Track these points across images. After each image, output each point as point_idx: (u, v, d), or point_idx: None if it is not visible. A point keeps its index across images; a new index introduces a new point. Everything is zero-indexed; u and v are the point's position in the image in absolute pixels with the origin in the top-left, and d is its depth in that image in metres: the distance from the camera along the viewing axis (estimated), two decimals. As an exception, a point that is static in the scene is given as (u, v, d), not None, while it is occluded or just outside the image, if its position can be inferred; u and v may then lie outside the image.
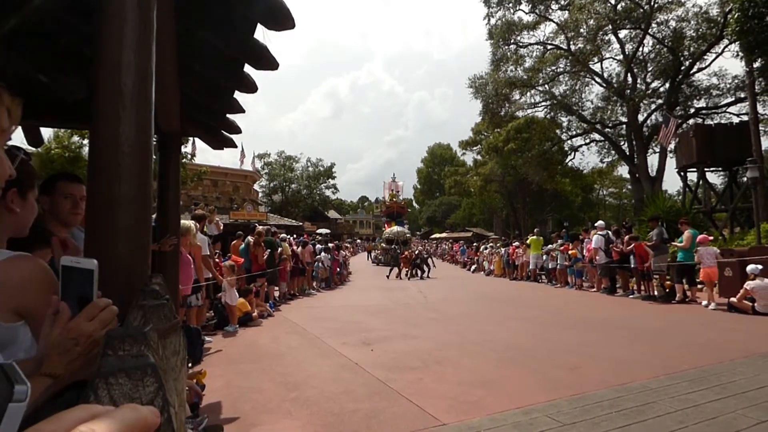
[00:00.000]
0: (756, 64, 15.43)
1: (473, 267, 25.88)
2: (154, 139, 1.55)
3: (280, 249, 11.81)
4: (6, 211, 1.23)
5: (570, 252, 14.94)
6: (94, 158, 1.41)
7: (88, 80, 2.68)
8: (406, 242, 29.46)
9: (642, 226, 16.03)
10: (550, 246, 16.89)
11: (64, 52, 2.71)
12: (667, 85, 26.51)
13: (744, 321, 7.99)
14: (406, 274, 20.54)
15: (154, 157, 1.52)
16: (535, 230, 20.27)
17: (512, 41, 30.65)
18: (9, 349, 1.08)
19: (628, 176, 34.70)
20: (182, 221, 6.59)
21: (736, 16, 14.51)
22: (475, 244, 31.61)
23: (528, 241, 17.93)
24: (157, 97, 1.52)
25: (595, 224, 14.58)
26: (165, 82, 2.74)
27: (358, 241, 59.55)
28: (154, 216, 3.79)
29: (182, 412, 1.41)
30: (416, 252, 22.94)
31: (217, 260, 8.77)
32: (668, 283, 10.91)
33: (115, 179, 1.36)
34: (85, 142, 14.32)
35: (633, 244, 11.50)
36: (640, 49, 27.00)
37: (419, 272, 20.52)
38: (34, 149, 5.35)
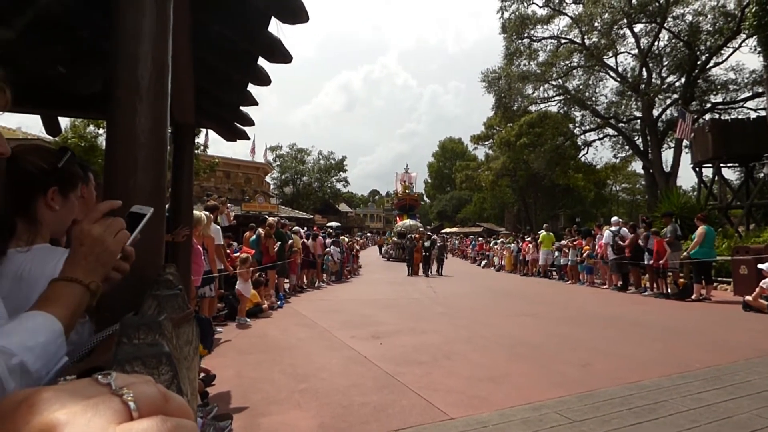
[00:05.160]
0: (774, 59, 15.16)
1: (484, 262, 25.83)
2: (169, 131, 1.56)
3: (290, 241, 11.87)
4: (47, 208, 1.25)
5: (584, 247, 14.84)
6: (110, 150, 1.43)
7: (105, 72, 2.70)
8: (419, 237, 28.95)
9: (656, 222, 15.89)
10: (562, 242, 16.80)
11: (82, 45, 2.73)
12: (683, 79, 26.15)
13: (759, 320, 7.88)
14: (423, 271, 18.84)
15: (169, 148, 1.53)
16: (544, 226, 20.04)
17: (526, 35, 30.41)
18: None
19: (641, 172, 34.31)
20: (194, 212, 6.68)
21: (753, 10, 14.25)
22: (480, 239, 31.43)
23: (540, 238, 17.82)
24: (172, 89, 1.53)
25: (611, 220, 14.49)
26: (180, 74, 2.76)
27: (369, 234, 59.63)
28: (167, 206, 3.83)
29: (194, 400, 1.43)
30: (430, 237, 20.48)
31: (228, 251, 8.84)
32: (682, 280, 10.80)
33: (131, 170, 1.38)
34: (101, 131, 14.51)
35: (654, 239, 11.35)
36: (656, 43, 26.62)
37: (435, 264, 19.07)
38: (51, 138, 5.42)
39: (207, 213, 6.80)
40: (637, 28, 26.95)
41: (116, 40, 1.40)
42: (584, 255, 14.74)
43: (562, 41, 29.94)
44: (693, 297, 10.28)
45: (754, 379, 4.57)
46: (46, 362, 0.90)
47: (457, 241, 42.34)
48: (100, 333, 1.11)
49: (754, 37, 15.83)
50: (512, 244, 21.52)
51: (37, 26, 2.37)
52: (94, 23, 2.50)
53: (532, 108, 32.79)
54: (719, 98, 26.62)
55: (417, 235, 20.78)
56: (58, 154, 1.28)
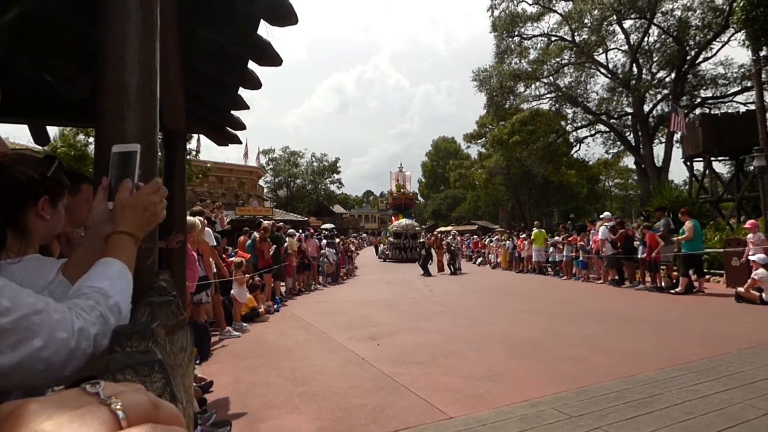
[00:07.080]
0: (762, 53, 15.28)
1: (479, 260, 25.87)
2: (159, 137, 1.56)
3: (286, 244, 11.84)
4: (37, 218, 1.25)
5: (578, 243, 14.90)
6: (99, 157, 1.41)
7: (93, 79, 2.69)
8: (415, 236, 28.33)
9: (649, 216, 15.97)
10: (556, 238, 16.85)
11: (68, 52, 2.72)
12: (673, 75, 26.32)
13: (752, 311, 7.94)
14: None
15: (160, 154, 1.53)
16: (535, 223, 20.06)
17: (516, 33, 30.43)
18: None
19: (633, 167, 34.45)
20: (187, 217, 6.65)
21: (741, 4, 14.40)
22: (475, 237, 31.42)
23: (532, 236, 17.88)
24: (161, 94, 1.52)
25: (601, 216, 14.55)
26: (169, 79, 2.74)
27: (364, 235, 59.61)
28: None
29: (190, 407, 1.42)
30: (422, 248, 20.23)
31: (224, 256, 8.80)
32: (675, 273, 10.87)
33: (121, 177, 1.36)
34: (91, 140, 14.38)
35: (646, 233, 11.42)
36: (645, 39, 26.79)
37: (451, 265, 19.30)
38: (40, 148, 5.38)
39: (201, 218, 6.76)
40: (627, 24, 27.14)
41: (102, 45, 1.39)
42: (578, 250, 14.80)
43: (553, 39, 30.00)
44: (679, 290, 10.28)
45: (746, 369, 4.61)
46: (127, 306, 1.03)
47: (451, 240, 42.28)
48: None
49: (743, 31, 15.97)
50: (507, 242, 21.55)
51: (23, 34, 2.36)
52: (80, 29, 2.49)
53: (524, 106, 32.87)
54: (709, 93, 26.82)
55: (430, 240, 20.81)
56: (46, 163, 1.27)
